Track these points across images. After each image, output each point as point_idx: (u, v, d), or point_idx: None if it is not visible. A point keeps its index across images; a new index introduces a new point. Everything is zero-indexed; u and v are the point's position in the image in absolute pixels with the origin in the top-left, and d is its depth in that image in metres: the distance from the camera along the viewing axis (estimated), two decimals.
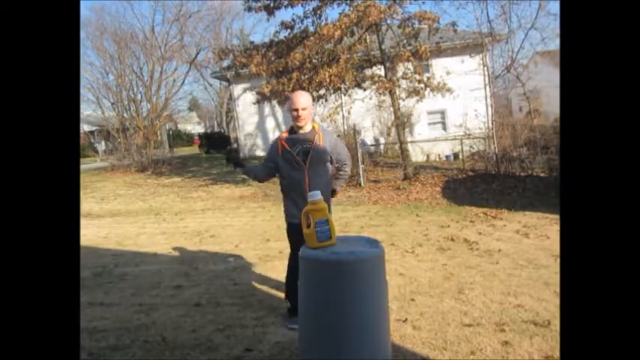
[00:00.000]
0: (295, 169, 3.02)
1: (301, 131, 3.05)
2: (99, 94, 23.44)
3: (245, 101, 17.34)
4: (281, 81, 9.66)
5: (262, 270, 4.48)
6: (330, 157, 3.11)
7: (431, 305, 3.30)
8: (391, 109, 11.38)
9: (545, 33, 21.54)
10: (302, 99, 3.01)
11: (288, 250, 3.25)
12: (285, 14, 62.83)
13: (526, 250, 4.64)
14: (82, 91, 22.60)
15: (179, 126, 40.41)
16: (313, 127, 3.08)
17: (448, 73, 11.02)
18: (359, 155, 10.38)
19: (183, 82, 28.87)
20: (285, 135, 3.10)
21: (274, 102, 11.43)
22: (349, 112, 10.72)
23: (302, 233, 2.27)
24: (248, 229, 6.73)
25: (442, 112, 16.14)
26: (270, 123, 18.54)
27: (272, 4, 10.11)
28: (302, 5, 10.15)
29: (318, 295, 2.03)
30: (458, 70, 12.27)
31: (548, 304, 3.19)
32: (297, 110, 2.98)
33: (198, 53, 27.87)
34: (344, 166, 3.25)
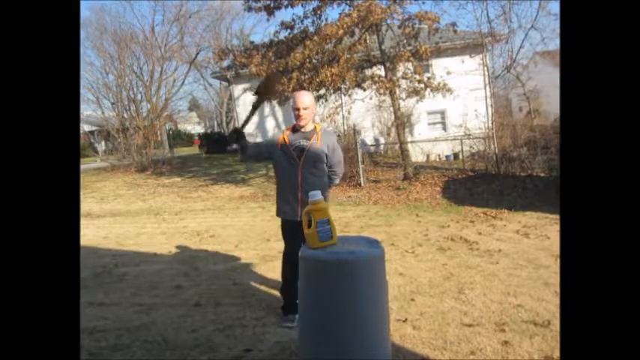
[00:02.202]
0: (290, 164, 3.11)
1: (302, 130, 3.16)
2: (99, 94, 23.35)
3: (245, 101, 17.35)
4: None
5: (262, 270, 4.48)
6: (326, 158, 3.16)
7: (431, 305, 3.30)
8: (391, 109, 11.38)
9: (545, 33, 21.46)
10: (303, 98, 3.10)
11: None
12: (285, 14, 62.68)
13: (526, 250, 4.64)
14: (82, 91, 22.51)
15: (179, 126, 40.36)
16: (314, 127, 3.17)
17: (448, 73, 11.02)
18: (359, 155, 10.38)
19: (183, 82, 28.85)
20: (287, 131, 3.21)
21: (274, 102, 11.42)
22: (349, 112, 10.72)
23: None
24: (248, 229, 6.74)
25: (442, 112, 16.15)
26: (270, 123, 18.54)
27: (272, 4, 10.12)
28: (302, 5, 10.16)
29: (318, 295, 2.03)
30: (458, 70, 12.26)
31: (548, 304, 3.19)
32: (298, 109, 3.08)
33: (198, 53, 27.86)
34: (334, 172, 3.25)
